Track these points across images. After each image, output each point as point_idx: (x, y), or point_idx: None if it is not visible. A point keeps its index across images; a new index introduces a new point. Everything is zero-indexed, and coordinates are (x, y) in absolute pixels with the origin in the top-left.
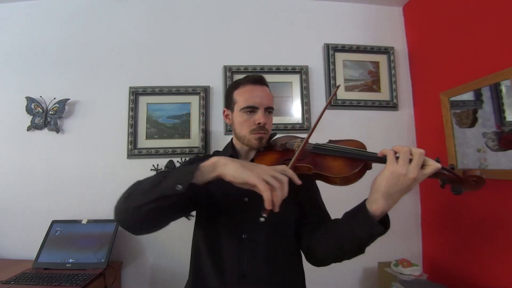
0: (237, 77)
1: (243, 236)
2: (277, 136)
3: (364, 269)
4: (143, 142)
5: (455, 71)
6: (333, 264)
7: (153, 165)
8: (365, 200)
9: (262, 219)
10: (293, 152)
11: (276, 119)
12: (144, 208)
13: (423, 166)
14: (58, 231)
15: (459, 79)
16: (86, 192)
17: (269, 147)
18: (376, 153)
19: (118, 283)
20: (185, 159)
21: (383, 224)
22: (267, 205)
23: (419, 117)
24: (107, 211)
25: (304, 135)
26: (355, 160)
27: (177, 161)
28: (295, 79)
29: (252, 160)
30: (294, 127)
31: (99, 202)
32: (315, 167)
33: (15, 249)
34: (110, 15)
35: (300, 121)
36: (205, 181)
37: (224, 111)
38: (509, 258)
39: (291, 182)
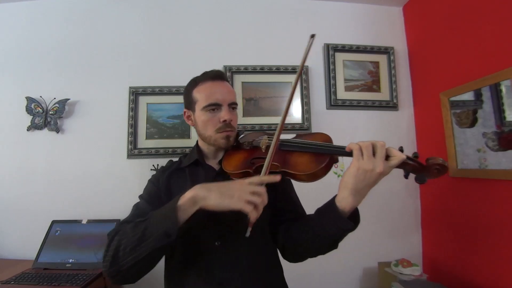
0: (237, 77)
1: (216, 243)
2: (245, 134)
3: (364, 269)
4: (143, 142)
5: (455, 71)
6: (333, 264)
7: (153, 165)
8: (334, 197)
9: (247, 234)
10: (260, 149)
11: (276, 119)
12: (138, 265)
13: (387, 158)
14: (58, 231)
15: (459, 79)
16: (86, 192)
17: (237, 146)
18: (343, 147)
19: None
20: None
21: (353, 219)
22: (254, 220)
23: (419, 117)
24: (107, 211)
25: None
26: (320, 155)
27: None
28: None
29: (221, 161)
30: (294, 127)
31: (99, 202)
32: (282, 165)
33: (15, 249)
34: (110, 15)
35: (300, 121)
36: (187, 218)
37: (184, 113)
38: (509, 258)
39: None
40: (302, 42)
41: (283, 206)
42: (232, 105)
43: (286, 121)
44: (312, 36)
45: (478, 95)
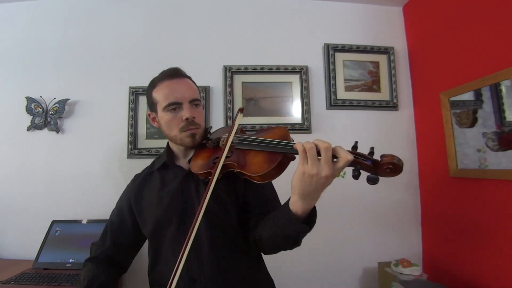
0: (237, 77)
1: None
2: (215, 130)
3: (364, 269)
4: (143, 142)
5: (455, 71)
6: (333, 264)
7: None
8: (289, 199)
9: None
10: (221, 149)
11: (276, 119)
12: None
13: (335, 158)
14: (58, 231)
15: (459, 79)
16: (86, 192)
17: (204, 144)
18: (291, 144)
19: (119, 283)
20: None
21: (309, 219)
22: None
23: (419, 117)
24: (107, 211)
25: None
26: (273, 154)
27: None
28: (295, 79)
29: (190, 161)
30: (294, 127)
31: (99, 202)
32: (238, 166)
33: (15, 249)
34: (110, 15)
35: (300, 121)
36: None
37: (149, 115)
38: (509, 258)
39: (227, 179)
40: (302, 42)
41: (252, 202)
42: (194, 102)
43: (286, 121)
44: (240, 109)
45: (478, 95)
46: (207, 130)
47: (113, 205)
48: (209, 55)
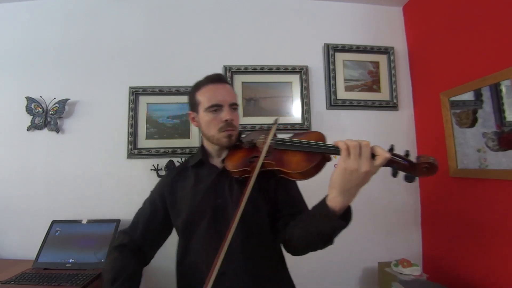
0: (237, 77)
1: (218, 235)
2: (247, 133)
3: (364, 269)
4: (143, 142)
5: (455, 71)
6: (333, 264)
7: (153, 165)
8: (326, 196)
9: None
10: (258, 149)
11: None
12: None
13: (373, 157)
14: (58, 231)
15: (459, 79)
16: (86, 192)
17: (238, 145)
18: (333, 146)
19: None
20: (185, 159)
21: (346, 216)
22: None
23: (419, 117)
24: (107, 211)
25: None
26: (313, 154)
27: (177, 161)
28: (295, 79)
29: (224, 161)
30: (294, 127)
31: (99, 202)
32: (277, 164)
33: (15, 249)
34: (110, 15)
35: (300, 121)
36: None
37: (189, 115)
38: (509, 258)
39: (260, 179)
40: (302, 42)
41: (283, 202)
42: (233, 106)
43: (286, 121)
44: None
45: (478, 95)
46: (240, 133)
47: (113, 205)
48: (209, 55)
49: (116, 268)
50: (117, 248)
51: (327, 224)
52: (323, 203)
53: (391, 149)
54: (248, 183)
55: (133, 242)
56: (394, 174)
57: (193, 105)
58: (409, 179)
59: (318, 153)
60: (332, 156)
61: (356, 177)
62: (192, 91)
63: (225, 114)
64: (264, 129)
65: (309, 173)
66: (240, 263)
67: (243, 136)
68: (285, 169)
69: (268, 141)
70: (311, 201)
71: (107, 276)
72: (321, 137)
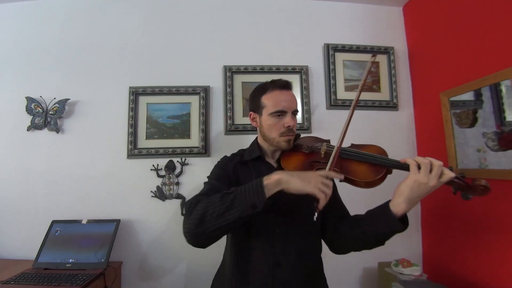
0: (237, 77)
1: (276, 230)
2: (301, 136)
3: (364, 269)
4: (143, 142)
5: (455, 71)
6: (333, 264)
7: (153, 165)
8: (388, 202)
9: (315, 218)
10: (318, 154)
11: None
12: (221, 229)
13: (440, 175)
14: (58, 231)
15: (459, 79)
16: (86, 192)
17: (294, 149)
18: (397, 160)
19: (118, 283)
20: (184, 159)
21: (404, 222)
22: (321, 207)
23: (419, 117)
24: (107, 211)
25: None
26: (378, 166)
27: (177, 161)
28: (295, 79)
29: (279, 160)
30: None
31: (99, 202)
32: (341, 171)
33: (15, 249)
34: (110, 15)
35: (300, 121)
36: (270, 195)
37: (250, 115)
38: (509, 258)
39: None
40: (302, 42)
41: (332, 204)
42: (294, 112)
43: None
44: (373, 55)
45: (478, 95)
46: (296, 137)
47: (113, 205)
48: (209, 55)
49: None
50: (201, 195)
51: (388, 227)
52: (386, 207)
53: (451, 169)
54: (337, 148)
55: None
56: (455, 192)
57: (257, 107)
58: (465, 197)
59: (383, 166)
60: (393, 170)
61: (423, 189)
62: (256, 93)
63: (288, 120)
64: (314, 137)
65: (374, 183)
66: (295, 257)
67: (298, 140)
68: (352, 177)
69: (337, 148)
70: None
71: (215, 203)
72: (383, 151)
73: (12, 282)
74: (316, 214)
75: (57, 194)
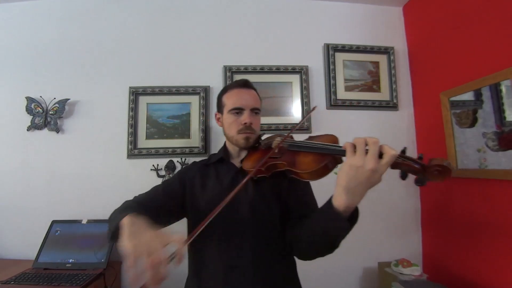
0: (237, 77)
1: (232, 233)
2: (267, 135)
3: (364, 269)
4: (143, 142)
5: (455, 71)
6: (333, 264)
7: (153, 165)
8: (332, 195)
9: None
10: (273, 150)
11: (276, 119)
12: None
13: (381, 155)
14: (58, 231)
15: (459, 79)
16: (86, 192)
17: (256, 147)
18: (340, 146)
19: (118, 283)
20: (185, 159)
21: (351, 219)
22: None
23: (419, 117)
24: (107, 211)
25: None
26: (322, 155)
27: (177, 161)
28: (295, 79)
29: (242, 161)
30: (294, 127)
31: (99, 202)
32: (288, 164)
33: (15, 249)
34: (110, 15)
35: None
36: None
37: (215, 115)
38: (509, 258)
39: (274, 179)
40: (302, 42)
41: (294, 203)
42: (255, 110)
43: (286, 121)
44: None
45: (478, 95)
46: (259, 136)
47: (113, 205)
48: (209, 55)
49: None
50: (120, 208)
51: (331, 223)
52: (328, 202)
53: (403, 151)
54: (246, 178)
55: (139, 203)
56: (403, 177)
57: (219, 106)
58: (419, 182)
59: (328, 155)
60: (343, 158)
61: (361, 174)
62: (220, 94)
63: (244, 117)
64: (282, 133)
65: (318, 173)
66: (250, 259)
67: (263, 138)
68: (295, 169)
69: (282, 141)
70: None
71: (113, 215)
72: (334, 139)
73: (12, 282)
74: None
75: (57, 194)
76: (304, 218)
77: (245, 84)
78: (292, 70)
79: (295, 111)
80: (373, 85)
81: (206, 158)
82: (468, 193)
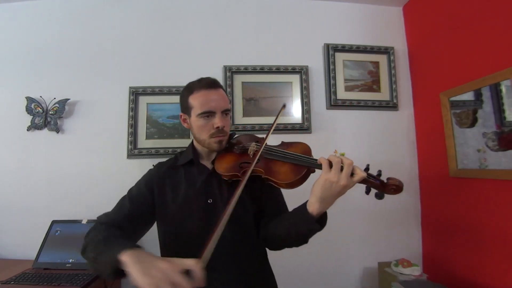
0: (237, 77)
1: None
2: (236, 136)
3: (364, 269)
4: (143, 142)
5: (455, 71)
6: (333, 264)
7: (153, 165)
8: (307, 201)
9: None
10: (248, 155)
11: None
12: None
13: (352, 174)
14: (58, 231)
15: (459, 79)
16: (86, 192)
17: (228, 148)
18: (315, 159)
19: (118, 283)
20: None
21: (321, 221)
22: None
23: (419, 117)
24: (107, 211)
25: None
26: (299, 166)
27: None
28: (295, 79)
29: (213, 162)
30: (294, 127)
31: (99, 202)
32: (265, 172)
33: (15, 249)
34: (110, 15)
35: (300, 121)
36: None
37: (181, 116)
38: (509, 258)
39: (248, 181)
40: (302, 42)
41: (267, 203)
42: (225, 112)
43: (287, 122)
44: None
45: (478, 95)
46: (230, 136)
47: (113, 205)
48: (209, 55)
49: (101, 236)
50: (95, 226)
51: (305, 226)
52: (303, 207)
53: (366, 169)
54: (238, 188)
55: (114, 223)
56: (367, 192)
57: (185, 108)
58: (378, 196)
59: (304, 166)
60: (316, 169)
61: (335, 188)
62: (184, 93)
63: (217, 121)
64: (251, 135)
65: (294, 184)
66: (229, 259)
67: (233, 139)
68: (274, 179)
69: (259, 152)
70: (294, 206)
71: (92, 245)
72: (307, 149)
73: (12, 282)
74: None
75: (57, 194)
76: (275, 216)
77: (213, 84)
78: (292, 70)
79: (295, 111)
80: (373, 85)
81: (171, 158)
82: (468, 193)
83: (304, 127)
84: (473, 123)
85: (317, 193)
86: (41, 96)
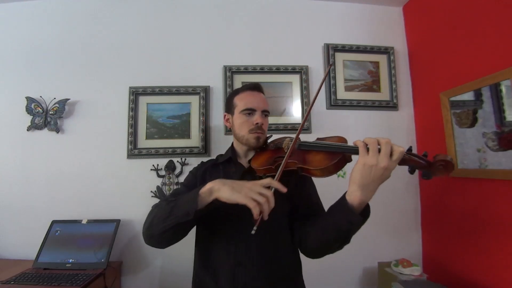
0: (237, 77)
1: (240, 230)
2: (273, 137)
3: (364, 269)
4: (143, 142)
5: (455, 71)
6: (333, 264)
7: (153, 165)
8: (345, 192)
9: (253, 232)
10: (283, 150)
11: (276, 119)
12: (166, 233)
13: (391, 154)
14: (58, 231)
15: (459, 79)
16: (86, 192)
17: (264, 148)
18: (353, 146)
19: (118, 283)
20: (184, 159)
21: (364, 214)
22: (255, 218)
23: (419, 117)
24: (107, 211)
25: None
26: (333, 153)
27: (177, 161)
28: (295, 79)
29: (249, 162)
30: (294, 127)
31: (99, 202)
32: (299, 162)
33: (15, 249)
34: (110, 15)
35: (300, 121)
36: (206, 204)
37: (224, 116)
38: (509, 258)
39: (282, 177)
40: (302, 42)
41: (300, 203)
42: (265, 112)
43: (286, 121)
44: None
45: (478, 95)
46: (267, 138)
47: (113, 205)
48: (209, 55)
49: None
50: (156, 205)
51: (344, 218)
52: (342, 198)
53: (409, 149)
54: (282, 167)
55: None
56: (411, 172)
57: (229, 108)
58: (425, 176)
59: (339, 153)
60: (352, 156)
61: (375, 172)
62: (230, 95)
63: (256, 118)
64: (286, 135)
65: (329, 170)
66: (256, 256)
67: (270, 141)
68: (307, 166)
69: (292, 144)
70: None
71: (161, 212)
72: (343, 139)
73: (12, 282)
74: (254, 228)
75: (57, 194)
76: (312, 217)
77: (257, 88)
78: (292, 70)
79: (295, 111)
80: (373, 85)
81: (212, 158)
82: (468, 193)
83: (304, 127)
84: (473, 123)
85: (357, 180)
86: (41, 96)
